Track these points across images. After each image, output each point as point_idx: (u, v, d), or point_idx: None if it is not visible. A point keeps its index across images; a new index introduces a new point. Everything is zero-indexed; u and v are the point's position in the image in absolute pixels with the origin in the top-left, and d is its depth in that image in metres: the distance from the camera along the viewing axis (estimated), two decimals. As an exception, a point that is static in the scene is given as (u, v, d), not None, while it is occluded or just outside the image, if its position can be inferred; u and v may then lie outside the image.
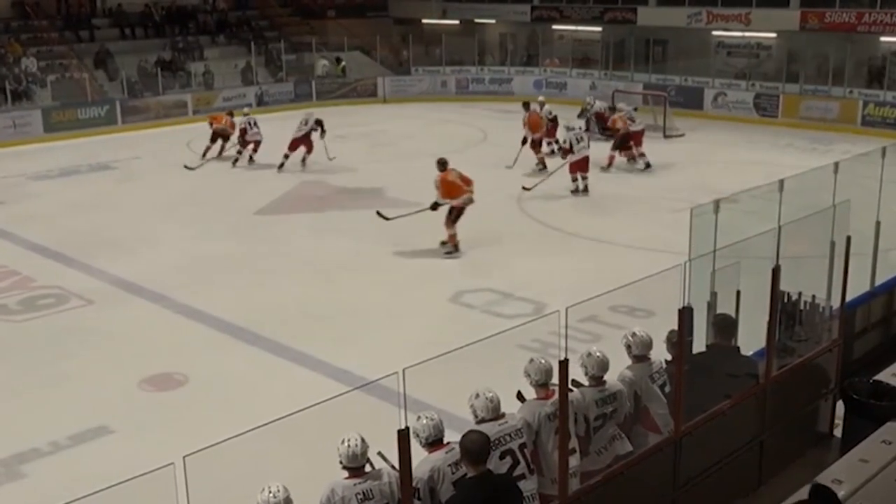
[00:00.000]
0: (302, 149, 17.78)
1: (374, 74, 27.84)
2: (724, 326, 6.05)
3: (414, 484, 4.34)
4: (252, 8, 30.18)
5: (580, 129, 16.11)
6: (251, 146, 18.19)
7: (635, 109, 18.77)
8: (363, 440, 4.39)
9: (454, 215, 12.31)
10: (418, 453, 4.41)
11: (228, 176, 17.60)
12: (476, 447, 4.38)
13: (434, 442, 4.65)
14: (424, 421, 4.65)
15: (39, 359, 9.27)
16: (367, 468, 4.42)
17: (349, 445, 4.37)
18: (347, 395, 5.14)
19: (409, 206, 13.03)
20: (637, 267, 8.99)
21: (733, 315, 6.12)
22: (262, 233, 13.76)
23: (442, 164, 12.38)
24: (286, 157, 17.71)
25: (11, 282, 11.62)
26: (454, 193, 12.17)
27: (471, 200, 12.28)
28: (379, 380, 4.00)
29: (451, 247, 12.38)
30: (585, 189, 15.58)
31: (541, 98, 19.97)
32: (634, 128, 17.66)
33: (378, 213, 13.16)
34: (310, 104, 25.89)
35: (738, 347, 6.13)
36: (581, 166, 15.54)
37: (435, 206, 12.32)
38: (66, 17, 26.39)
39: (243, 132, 18.16)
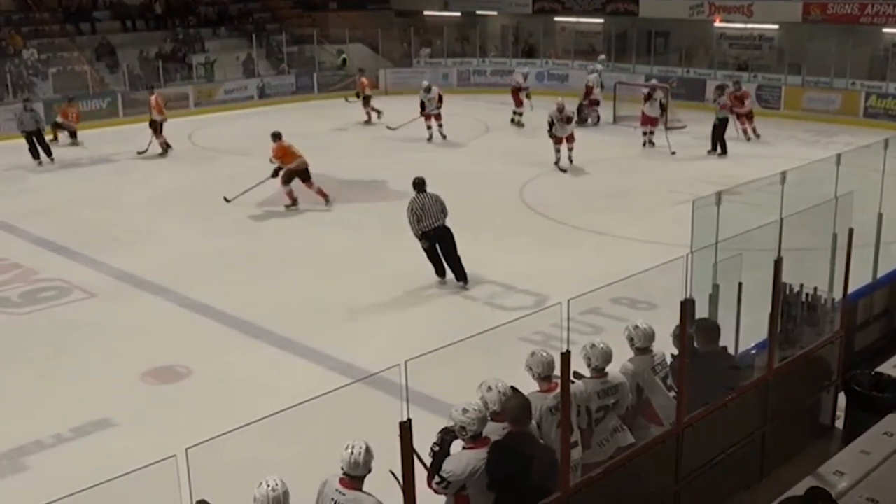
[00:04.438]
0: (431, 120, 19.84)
1: (376, 66, 27.80)
2: (706, 329, 5.94)
3: (447, 477, 4.40)
4: (253, 0, 30.13)
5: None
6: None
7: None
8: (368, 450, 4.25)
9: (287, 176, 14.16)
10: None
11: (231, 170, 17.59)
12: (517, 410, 4.67)
13: (477, 437, 4.54)
14: (473, 414, 4.49)
15: (42, 352, 9.27)
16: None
17: (353, 453, 4.22)
18: (349, 387, 5.15)
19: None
20: (639, 259, 9.02)
21: (735, 307, 6.10)
22: (264, 226, 13.76)
23: (276, 136, 14.33)
24: (429, 127, 19.91)
25: (13, 275, 11.63)
26: (289, 159, 14.14)
27: (305, 164, 14.17)
28: (381, 372, 3.99)
29: (290, 202, 14.26)
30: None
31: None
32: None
33: (224, 198, 14.51)
34: (311, 96, 25.92)
35: (725, 347, 6.05)
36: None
37: (276, 173, 14.19)
38: (66, 10, 26.34)
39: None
